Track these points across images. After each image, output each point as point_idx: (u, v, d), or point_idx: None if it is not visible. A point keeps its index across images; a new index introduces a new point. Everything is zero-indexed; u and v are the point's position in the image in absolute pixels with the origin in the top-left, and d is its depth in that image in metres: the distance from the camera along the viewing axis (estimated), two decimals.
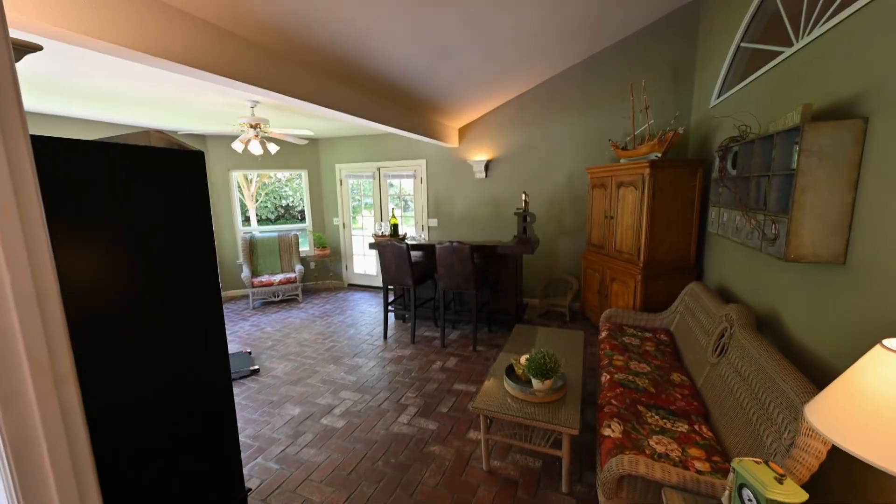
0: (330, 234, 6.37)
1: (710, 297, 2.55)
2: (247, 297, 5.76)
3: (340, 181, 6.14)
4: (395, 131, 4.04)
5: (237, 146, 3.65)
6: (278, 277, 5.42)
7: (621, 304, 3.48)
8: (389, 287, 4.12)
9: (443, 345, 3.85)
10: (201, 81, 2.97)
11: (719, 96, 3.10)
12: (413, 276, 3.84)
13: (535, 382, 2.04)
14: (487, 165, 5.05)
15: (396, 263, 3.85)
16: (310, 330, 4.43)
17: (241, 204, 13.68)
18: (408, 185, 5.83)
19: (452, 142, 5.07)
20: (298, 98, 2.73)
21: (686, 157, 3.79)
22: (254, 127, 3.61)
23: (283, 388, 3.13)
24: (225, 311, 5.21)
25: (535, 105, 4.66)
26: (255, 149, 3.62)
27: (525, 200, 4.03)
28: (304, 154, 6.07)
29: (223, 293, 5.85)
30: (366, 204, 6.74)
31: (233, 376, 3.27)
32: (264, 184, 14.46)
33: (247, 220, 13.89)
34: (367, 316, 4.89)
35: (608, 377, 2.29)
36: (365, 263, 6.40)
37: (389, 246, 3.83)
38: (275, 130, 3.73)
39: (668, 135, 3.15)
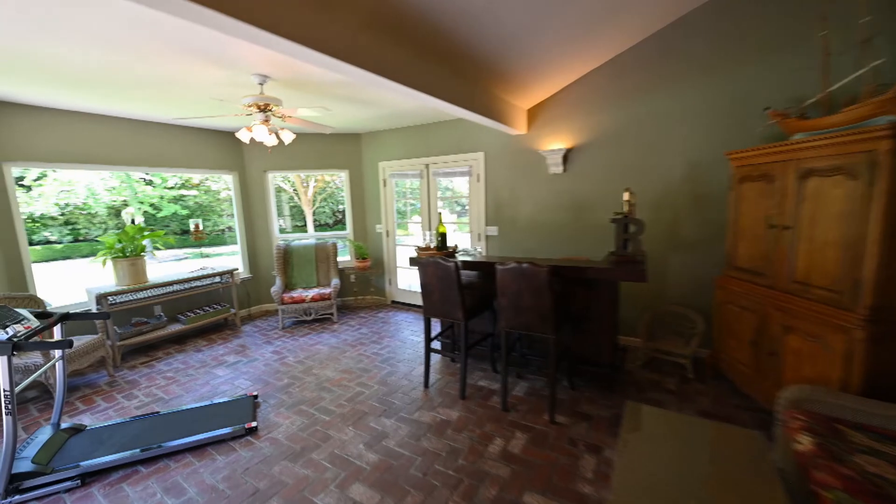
0: (372, 243, 5.54)
1: None
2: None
3: (384, 181, 5.28)
4: (444, 106, 3.01)
5: (243, 135, 2.88)
6: (311, 293, 4.67)
7: (809, 374, 2.08)
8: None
9: (504, 407, 2.71)
10: (192, 44, 2.20)
11: None
12: (463, 306, 2.77)
13: None
14: (566, 156, 3.83)
15: (441, 288, 2.81)
16: (336, 364, 3.55)
17: (298, 209, 13.73)
18: (461, 185, 4.79)
19: (520, 127, 3.93)
20: (318, 50, 1.81)
21: None
22: (262, 109, 2.81)
23: (279, 464, 2.22)
24: (252, 331, 4.58)
25: (635, 71, 3.36)
26: (263, 136, 2.81)
27: (629, 201, 2.77)
28: (346, 152, 5.31)
29: (257, 307, 5.27)
30: (417, 209, 5.84)
31: (223, 436, 2.44)
32: (321, 189, 14.45)
33: (304, 225, 13.91)
34: (408, 348, 3.91)
35: None
36: (410, 277, 5.47)
37: (432, 264, 2.81)
38: (288, 110, 2.89)
39: None
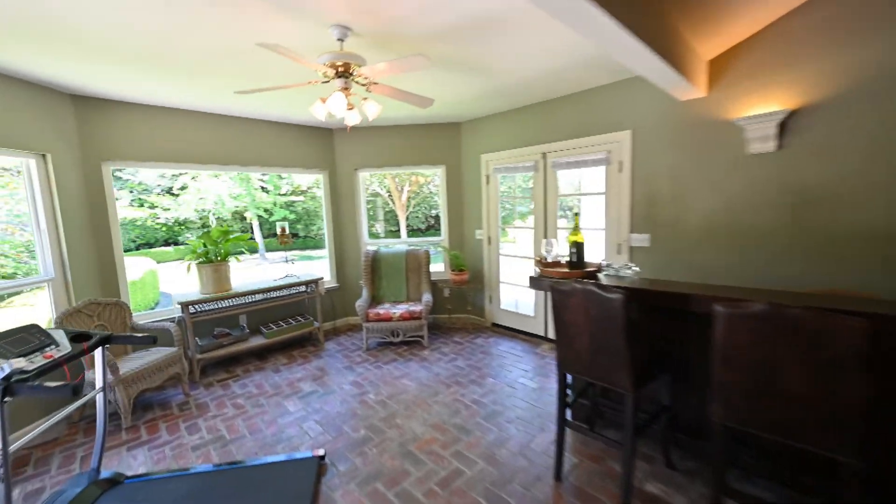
0: (470, 252, 4.65)
1: None
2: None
3: (487, 177, 4.35)
4: (606, 25, 1.94)
5: (318, 110, 2.19)
6: (400, 310, 3.94)
7: None
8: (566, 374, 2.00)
9: None
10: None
11: None
12: (633, 367, 1.65)
13: None
14: (783, 125, 2.42)
15: (593, 334, 1.73)
16: (426, 413, 2.69)
17: (392, 214, 13.71)
18: (594, 178, 3.62)
19: (698, 84, 2.63)
20: None
21: None
22: (341, 73, 2.07)
23: None
24: (334, 350, 4.00)
25: None
26: (341, 108, 2.07)
27: None
28: (442, 144, 4.53)
29: (343, 320, 4.77)
30: (519, 213, 4.83)
31: None
32: (415, 192, 14.26)
33: (397, 230, 13.85)
34: (520, 397, 2.88)
35: None
36: (516, 295, 4.43)
37: (581, 294, 1.74)
38: (376, 69, 2.11)
39: None
